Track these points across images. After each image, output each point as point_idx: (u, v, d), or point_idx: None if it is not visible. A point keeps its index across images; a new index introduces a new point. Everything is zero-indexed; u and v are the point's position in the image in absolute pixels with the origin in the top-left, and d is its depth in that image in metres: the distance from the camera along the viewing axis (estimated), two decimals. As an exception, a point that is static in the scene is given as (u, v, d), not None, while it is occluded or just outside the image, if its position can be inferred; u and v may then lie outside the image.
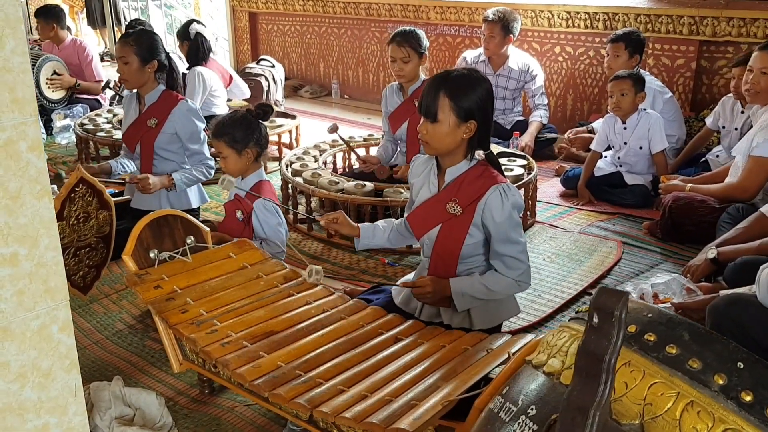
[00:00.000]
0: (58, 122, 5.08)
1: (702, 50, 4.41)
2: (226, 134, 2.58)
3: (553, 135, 4.66)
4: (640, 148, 3.68)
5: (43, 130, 4.99)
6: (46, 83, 5.14)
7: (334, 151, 4.08)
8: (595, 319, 0.96)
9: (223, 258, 2.24)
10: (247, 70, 5.77)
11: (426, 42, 3.42)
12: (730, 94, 3.63)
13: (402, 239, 2.33)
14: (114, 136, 4.30)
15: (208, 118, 4.09)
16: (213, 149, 3.13)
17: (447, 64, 5.68)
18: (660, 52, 4.56)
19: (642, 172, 3.74)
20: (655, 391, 1.03)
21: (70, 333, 1.19)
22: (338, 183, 3.34)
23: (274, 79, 5.76)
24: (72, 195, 2.37)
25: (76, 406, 1.22)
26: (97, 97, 5.52)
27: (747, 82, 3.06)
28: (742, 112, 3.55)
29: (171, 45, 7.73)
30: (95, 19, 8.90)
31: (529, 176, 3.40)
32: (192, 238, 2.21)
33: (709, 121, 3.83)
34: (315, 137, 4.67)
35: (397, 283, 2.34)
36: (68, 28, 5.66)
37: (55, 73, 5.20)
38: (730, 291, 2.11)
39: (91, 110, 5.21)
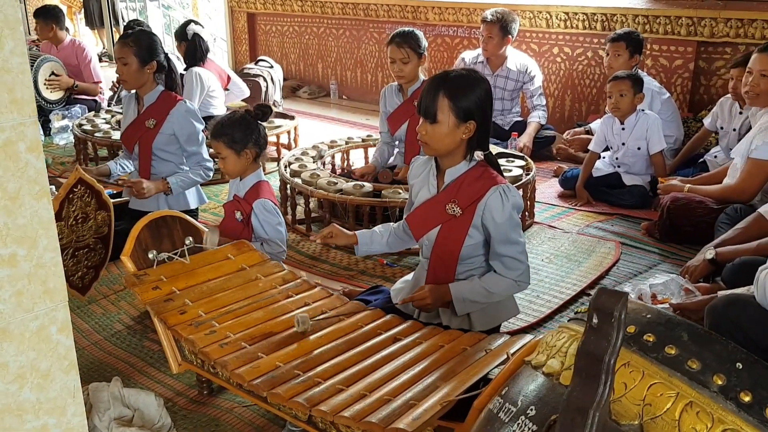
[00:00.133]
0: (56, 123, 5.08)
1: (700, 51, 4.41)
2: (225, 135, 2.57)
3: (551, 133, 4.66)
4: (638, 148, 3.68)
5: (41, 131, 4.97)
6: (45, 84, 5.13)
7: (332, 151, 4.08)
8: (595, 320, 0.96)
9: (221, 259, 2.24)
10: (245, 71, 5.77)
11: (425, 42, 3.43)
12: (728, 95, 3.63)
13: (401, 243, 2.33)
14: (112, 137, 4.30)
15: (206, 119, 4.08)
16: (212, 150, 3.13)
17: (445, 65, 5.68)
18: (658, 53, 4.57)
19: (640, 172, 3.74)
20: (654, 391, 1.03)
21: (69, 334, 1.19)
22: (337, 184, 3.34)
23: (272, 79, 5.76)
24: (70, 196, 2.37)
25: (74, 407, 1.22)
26: (95, 97, 5.52)
27: (746, 84, 3.06)
28: (740, 113, 3.56)
29: (169, 45, 7.72)
30: (93, 20, 8.89)
31: (528, 177, 3.40)
32: (191, 239, 2.21)
33: (707, 122, 3.84)
34: (313, 138, 4.68)
35: (394, 287, 2.34)
36: (66, 29, 5.65)
37: (53, 74, 5.19)
38: (729, 291, 2.12)
39: (89, 111, 5.21)
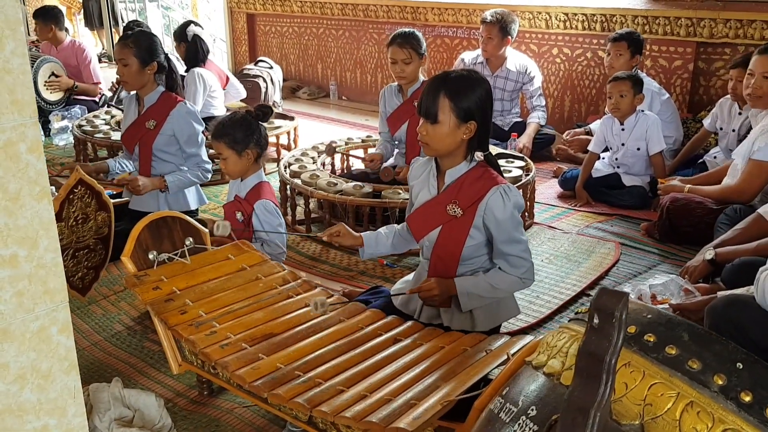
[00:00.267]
0: (56, 124, 5.07)
1: (699, 52, 4.42)
2: (226, 135, 2.58)
3: (551, 133, 4.67)
4: (638, 149, 3.68)
5: (41, 132, 4.97)
6: (45, 85, 5.13)
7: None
8: (596, 320, 0.97)
9: (222, 259, 2.24)
10: (245, 72, 5.77)
11: (425, 43, 3.43)
12: (728, 96, 3.64)
13: (405, 244, 2.33)
14: (112, 138, 4.30)
15: (206, 120, 4.08)
16: (212, 150, 3.13)
17: (445, 66, 5.68)
18: (657, 54, 4.57)
19: (640, 173, 3.75)
20: (655, 391, 1.03)
21: (70, 334, 1.19)
22: (337, 184, 3.34)
23: (272, 80, 5.76)
24: (71, 196, 2.37)
25: (75, 408, 1.22)
26: (95, 98, 5.51)
27: (748, 87, 3.05)
28: (740, 114, 3.56)
29: (168, 46, 7.72)
30: (93, 21, 8.89)
31: (527, 177, 3.41)
32: (191, 239, 2.21)
33: (706, 122, 3.84)
34: (313, 139, 4.68)
35: (394, 287, 2.33)
36: (66, 29, 5.65)
37: (53, 74, 5.19)
38: (728, 292, 2.12)
39: (89, 112, 5.21)
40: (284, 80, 6.41)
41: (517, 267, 2.05)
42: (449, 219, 2.06)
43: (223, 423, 2.05)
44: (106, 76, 5.83)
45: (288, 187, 3.53)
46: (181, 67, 4.52)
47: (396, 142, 3.66)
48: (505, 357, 1.72)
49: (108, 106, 5.32)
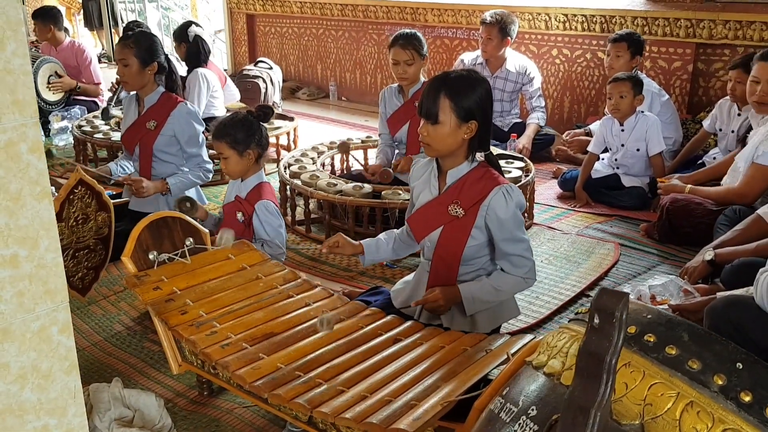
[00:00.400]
0: (56, 124, 5.07)
1: (699, 53, 4.42)
2: (227, 135, 2.58)
3: (551, 132, 4.67)
4: (638, 150, 3.69)
5: (41, 132, 4.97)
6: (47, 86, 5.13)
7: (332, 152, 4.08)
8: (596, 320, 0.97)
9: (222, 259, 2.24)
10: (244, 72, 5.77)
11: (426, 44, 3.44)
12: (727, 97, 3.64)
13: (407, 248, 2.33)
14: (112, 138, 4.30)
15: (207, 120, 4.08)
16: (212, 151, 3.13)
17: (444, 67, 5.68)
18: (657, 55, 4.57)
19: (639, 174, 3.75)
20: (655, 391, 1.03)
21: (70, 334, 1.19)
22: (336, 185, 3.34)
23: (271, 80, 5.76)
24: (71, 196, 2.37)
25: (75, 408, 1.22)
26: (95, 98, 5.51)
27: (754, 94, 3.02)
28: (739, 115, 3.56)
29: (168, 47, 7.73)
30: (92, 21, 8.89)
31: (527, 178, 3.41)
32: (191, 239, 2.21)
33: (706, 123, 3.84)
34: (313, 139, 4.68)
35: (394, 288, 2.33)
36: (66, 30, 5.65)
37: (56, 74, 5.19)
38: (728, 293, 2.12)
39: (89, 112, 5.20)
40: (284, 81, 6.41)
41: (519, 267, 2.06)
42: (451, 219, 2.07)
43: (223, 423, 2.05)
44: (105, 76, 5.83)
45: (288, 187, 3.53)
46: (180, 68, 4.53)
47: (396, 143, 3.66)
48: (505, 357, 1.72)
49: (108, 105, 5.31)
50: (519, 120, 4.71)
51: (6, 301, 1.10)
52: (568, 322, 1.27)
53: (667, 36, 4.46)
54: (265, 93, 5.65)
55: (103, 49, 8.92)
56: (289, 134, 4.76)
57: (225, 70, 6.43)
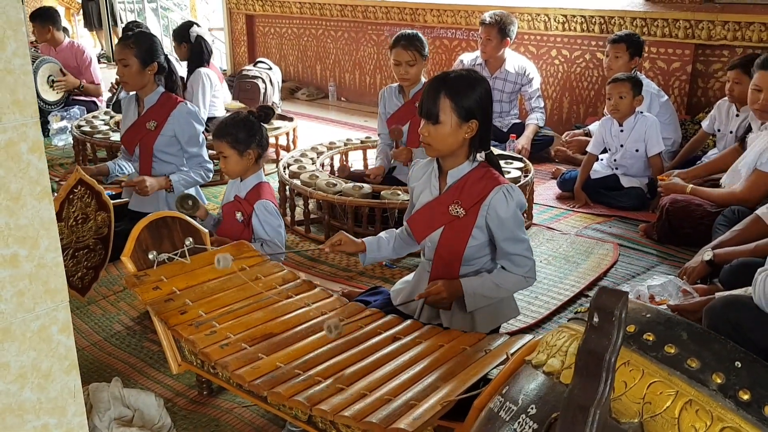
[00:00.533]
0: (55, 124, 5.07)
1: (697, 54, 4.43)
2: (228, 135, 2.58)
3: (550, 133, 4.68)
4: (637, 150, 3.69)
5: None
6: (52, 86, 5.13)
7: (331, 153, 4.09)
8: (596, 319, 0.97)
9: (221, 260, 2.23)
10: (243, 72, 5.77)
11: (427, 44, 3.45)
12: (726, 98, 3.65)
13: (407, 247, 2.33)
14: (111, 138, 4.30)
15: (208, 120, 4.08)
16: (212, 150, 3.14)
17: (444, 67, 5.69)
18: (656, 56, 4.58)
19: (638, 174, 3.75)
20: (654, 390, 1.03)
21: (70, 334, 1.19)
22: (336, 185, 3.34)
23: (271, 81, 5.75)
24: (71, 196, 2.38)
25: (75, 407, 1.22)
26: (95, 99, 5.51)
27: (756, 102, 3.01)
28: (737, 116, 3.57)
29: (167, 47, 7.73)
30: (92, 21, 8.89)
31: (526, 179, 3.41)
32: (191, 239, 2.21)
33: (704, 124, 3.85)
34: (312, 140, 4.68)
35: (394, 288, 2.33)
36: (65, 30, 5.64)
37: (60, 71, 5.20)
38: (727, 293, 2.13)
39: (88, 112, 5.20)
40: (283, 81, 6.41)
41: (520, 266, 2.07)
42: (451, 219, 2.07)
43: (223, 423, 2.05)
44: (105, 76, 5.83)
45: (287, 187, 3.53)
46: (180, 69, 4.53)
47: (395, 144, 3.66)
48: (505, 356, 1.72)
49: (107, 107, 5.32)
50: (518, 120, 4.71)
51: (6, 300, 1.10)
52: (568, 321, 1.28)
53: (666, 37, 4.47)
54: (265, 93, 5.65)
55: (102, 49, 8.92)
56: (289, 134, 4.77)
57: (224, 71, 6.44)
